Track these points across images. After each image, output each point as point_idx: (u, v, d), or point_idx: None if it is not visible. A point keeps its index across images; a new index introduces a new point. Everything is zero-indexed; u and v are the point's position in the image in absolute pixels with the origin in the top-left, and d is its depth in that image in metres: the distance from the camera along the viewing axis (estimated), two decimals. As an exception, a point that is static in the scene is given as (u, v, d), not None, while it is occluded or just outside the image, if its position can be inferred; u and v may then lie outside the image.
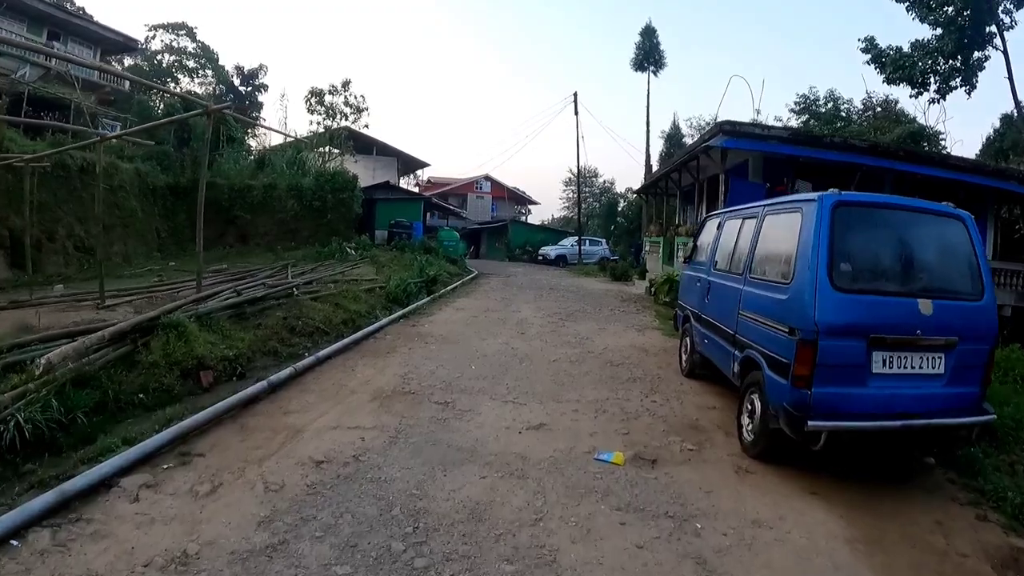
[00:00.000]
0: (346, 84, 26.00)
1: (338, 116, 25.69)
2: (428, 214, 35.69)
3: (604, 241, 33.82)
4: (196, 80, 39.50)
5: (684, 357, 6.39)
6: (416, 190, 38.54)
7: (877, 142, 13.22)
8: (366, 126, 27.47)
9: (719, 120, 11.08)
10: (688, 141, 33.17)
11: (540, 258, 30.24)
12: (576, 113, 30.15)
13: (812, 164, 11.87)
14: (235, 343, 6.35)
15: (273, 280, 10.37)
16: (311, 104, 25.51)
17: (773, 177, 12.30)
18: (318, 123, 25.46)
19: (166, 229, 19.51)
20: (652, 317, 10.53)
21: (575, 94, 30.21)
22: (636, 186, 43.76)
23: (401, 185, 36.37)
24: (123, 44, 28.00)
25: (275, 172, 21.75)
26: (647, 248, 21.37)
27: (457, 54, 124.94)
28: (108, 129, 23.08)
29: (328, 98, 25.70)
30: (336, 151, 24.87)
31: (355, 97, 26.31)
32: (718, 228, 5.68)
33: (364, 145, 30.82)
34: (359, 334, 7.63)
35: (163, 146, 20.83)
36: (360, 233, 20.94)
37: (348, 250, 18.15)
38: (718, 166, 11.76)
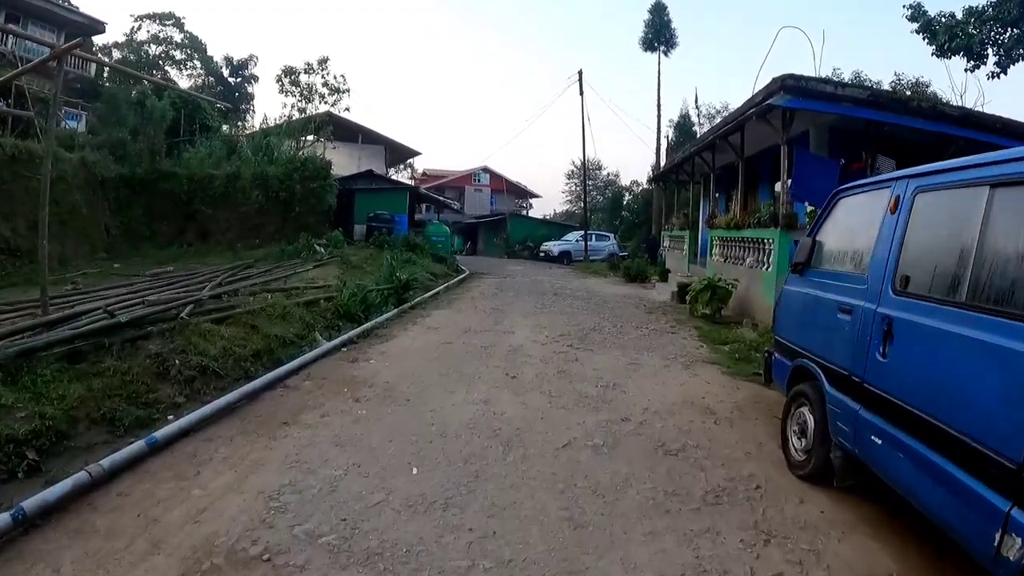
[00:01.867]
0: (323, 62, 23.00)
1: (315, 98, 22.71)
2: (424, 207, 32.83)
3: (612, 235, 30.85)
4: (184, 72, 36.94)
5: (798, 444, 3.57)
6: (412, 183, 35.59)
7: (969, 110, 10.37)
8: (347, 109, 24.47)
9: (780, 75, 8.23)
10: (699, 131, 30.15)
11: (542, 254, 27.50)
12: (581, 93, 27.32)
13: (887, 137, 9.19)
14: (46, 406, 3.80)
15: (172, 292, 7.61)
16: (284, 85, 22.55)
17: (839, 152, 9.56)
18: (292, 105, 22.49)
19: (117, 226, 17.04)
20: (696, 339, 7.65)
21: (580, 72, 27.39)
22: (642, 179, 41.03)
23: (392, 177, 33.51)
24: (89, 27, 25.79)
25: (240, 160, 19.01)
26: (667, 244, 18.53)
27: (457, 49, 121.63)
28: (69, 118, 20.70)
29: (304, 78, 22.71)
30: (312, 137, 22.08)
31: (335, 77, 23.31)
32: (893, 211, 2.86)
33: (349, 132, 27.84)
34: (259, 382, 4.87)
35: (119, 134, 18.33)
36: (336, 228, 18.14)
37: (318, 248, 15.38)
38: (776, 134, 8.93)
